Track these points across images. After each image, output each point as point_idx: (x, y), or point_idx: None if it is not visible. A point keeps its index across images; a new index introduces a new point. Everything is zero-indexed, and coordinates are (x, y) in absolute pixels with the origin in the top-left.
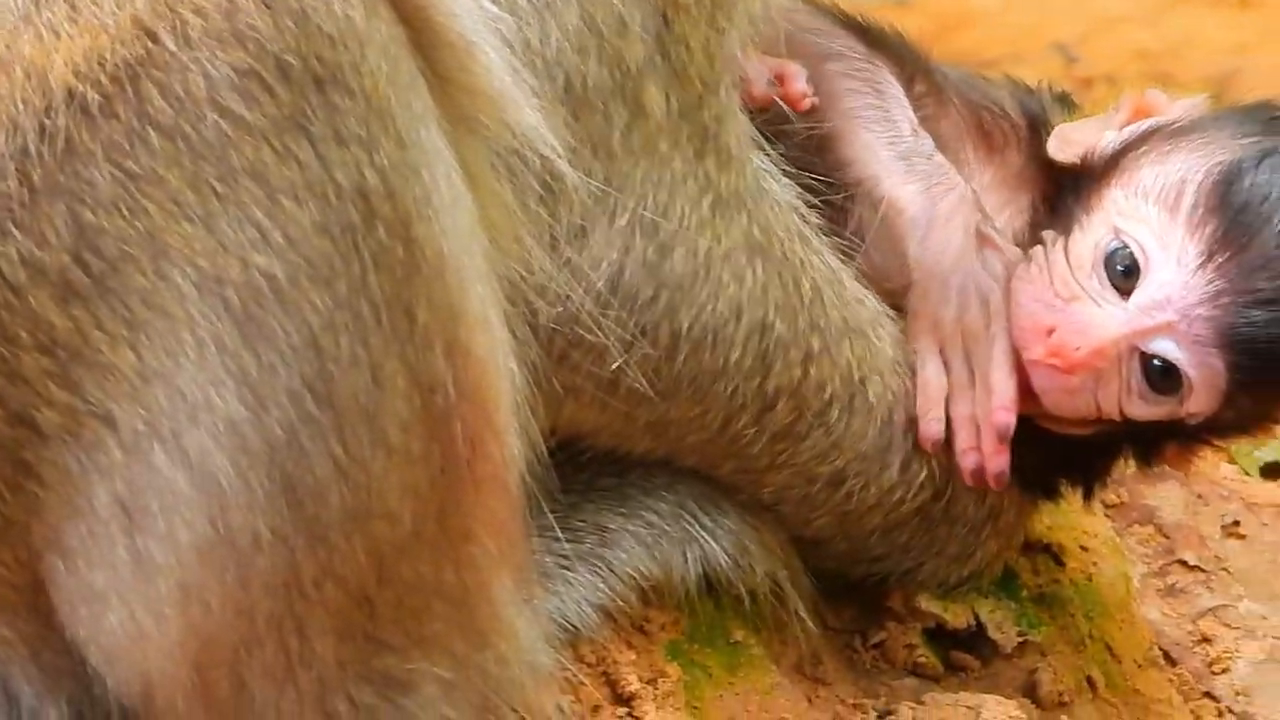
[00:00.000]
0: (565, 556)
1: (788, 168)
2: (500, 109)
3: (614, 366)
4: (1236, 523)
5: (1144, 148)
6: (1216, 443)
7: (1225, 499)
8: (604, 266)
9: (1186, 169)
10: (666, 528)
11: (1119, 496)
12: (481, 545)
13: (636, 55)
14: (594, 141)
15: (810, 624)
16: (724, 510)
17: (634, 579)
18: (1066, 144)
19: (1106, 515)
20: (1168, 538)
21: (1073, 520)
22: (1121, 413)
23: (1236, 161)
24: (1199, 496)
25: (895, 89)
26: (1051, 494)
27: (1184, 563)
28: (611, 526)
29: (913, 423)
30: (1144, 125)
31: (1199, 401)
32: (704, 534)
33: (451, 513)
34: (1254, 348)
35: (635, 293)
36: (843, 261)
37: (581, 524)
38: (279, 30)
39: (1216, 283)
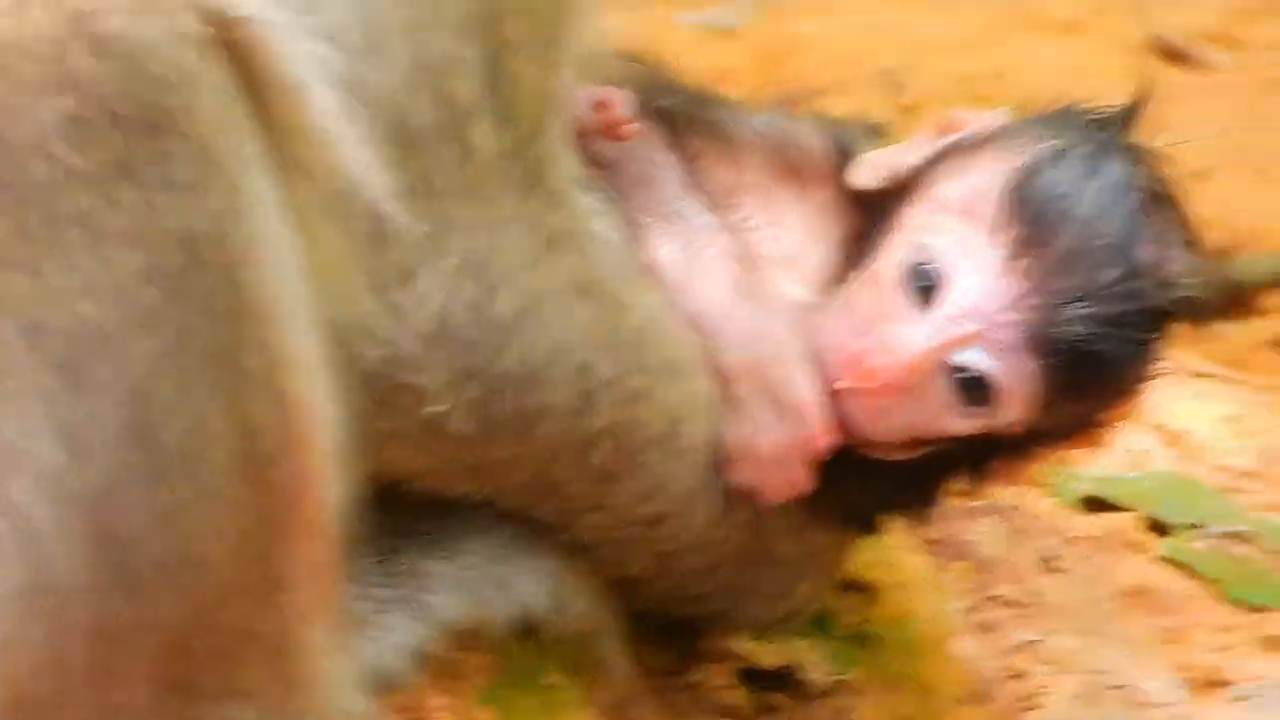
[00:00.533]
0: (383, 602)
1: (615, 204)
2: (329, 151)
3: (438, 409)
4: (1055, 557)
5: (944, 164)
6: (1043, 454)
7: (1044, 533)
8: (430, 309)
9: (984, 177)
10: (484, 570)
11: (937, 533)
12: (299, 592)
13: (467, 94)
14: (422, 182)
15: (625, 666)
16: (543, 552)
17: (450, 623)
18: (873, 170)
19: (924, 551)
20: (985, 572)
21: (890, 557)
22: (937, 431)
23: (1032, 164)
24: (1018, 531)
25: (660, 148)
26: (870, 529)
27: (1000, 598)
28: (430, 570)
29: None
30: (945, 141)
31: (1015, 409)
32: (522, 576)
33: (270, 560)
34: (1064, 348)
35: (461, 335)
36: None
37: (400, 569)
38: (109, 75)
39: (1020, 287)
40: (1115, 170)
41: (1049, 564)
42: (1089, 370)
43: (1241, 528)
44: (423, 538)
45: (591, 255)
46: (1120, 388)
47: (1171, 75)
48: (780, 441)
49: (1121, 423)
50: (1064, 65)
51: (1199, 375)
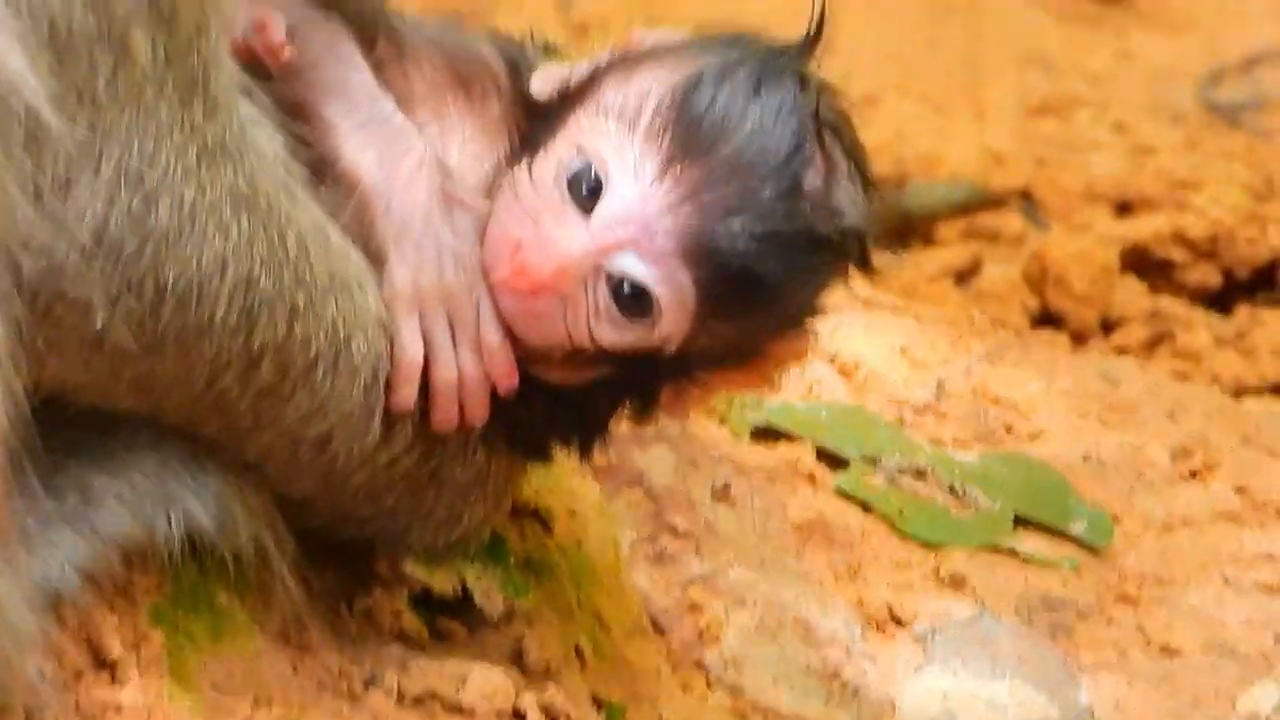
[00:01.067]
0: (47, 517)
1: (275, 117)
2: None
3: (99, 323)
4: (727, 487)
5: (612, 74)
6: (709, 381)
7: (716, 462)
8: (89, 218)
9: (648, 85)
10: (150, 488)
11: (608, 460)
12: None
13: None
14: (79, 89)
15: (295, 589)
16: (208, 470)
17: (117, 540)
18: (545, 81)
19: (595, 479)
20: (657, 502)
21: (562, 484)
22: (593, 341)
23: (696, 75)
24: (690, 461)
25: (352, 52)
26: (542, 455)
27: (673, 528)
28: (95, 485)
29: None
30: (616, 53)
31: (671, 323)
32: (187, 494)
33: None
34: (719, 261)
35: (120, 246)
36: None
37: (64, 483)
38: None
39: (676, 193)
40: (783, 93)
41: (721, 495)
42: (746, 288)
43: (917, 463)
44: (89, 452)
45: (252, 166)
46: (780, 312)
47: None
48: (462, 375)
49: (792, 360)
50: None
51: (870, 305)
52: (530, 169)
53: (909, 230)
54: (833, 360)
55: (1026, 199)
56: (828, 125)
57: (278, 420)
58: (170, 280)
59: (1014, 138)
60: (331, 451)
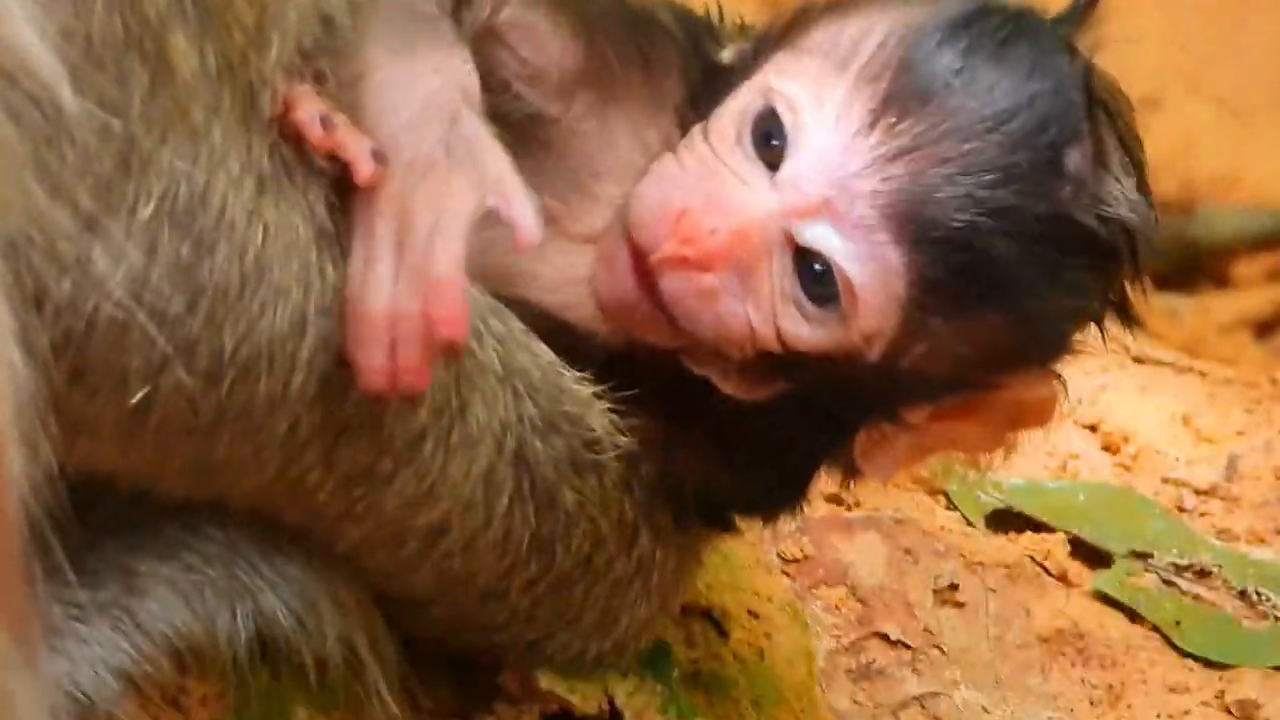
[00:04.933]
0: (79, 606)
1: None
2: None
3: (138, 397)
4: (954, 586)
5: (824, 15)
6: (925, 429)
7: (940, 555)
8: (124, 269)
9: (870, 23)
10: (212, 574)
11: (802, 549)
12: None
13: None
14: (108, 111)
15: (394, 705)
16: (288, 554)
17: (168, 638)
18: (740, 52)
19: (785, 573)
20: (864, 604)
21: (742, 578)
22: (779, 336)
23: (937, 16)
24: (906, 551)
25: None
26: (720, 521)
27: (884, 636)
28: (141, 570)
29: (520, 457)
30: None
31: (873, 316)
32: (261, 584)
33: None
34: (938, 235)
35: (165, 304)
36: None
37: (102, 566)
38: None
39: (887, 148)
40: (1044, 54)
41: (946, 596)
42: (974, 277)
43: (1200, 560)
44: (133, 527)
45: (330, 196)
46: (1021, 326)
47: None
48: (394, 307)
49: (1036, 412)
50: None
51: (1144, 362)
52: (706, 129)
53: (1196, 268)
54: (1094, 429)
55: None
56: (1101, 105)
57: (376, 508)
58: (230, 346)
59: None
60: (448, 545)
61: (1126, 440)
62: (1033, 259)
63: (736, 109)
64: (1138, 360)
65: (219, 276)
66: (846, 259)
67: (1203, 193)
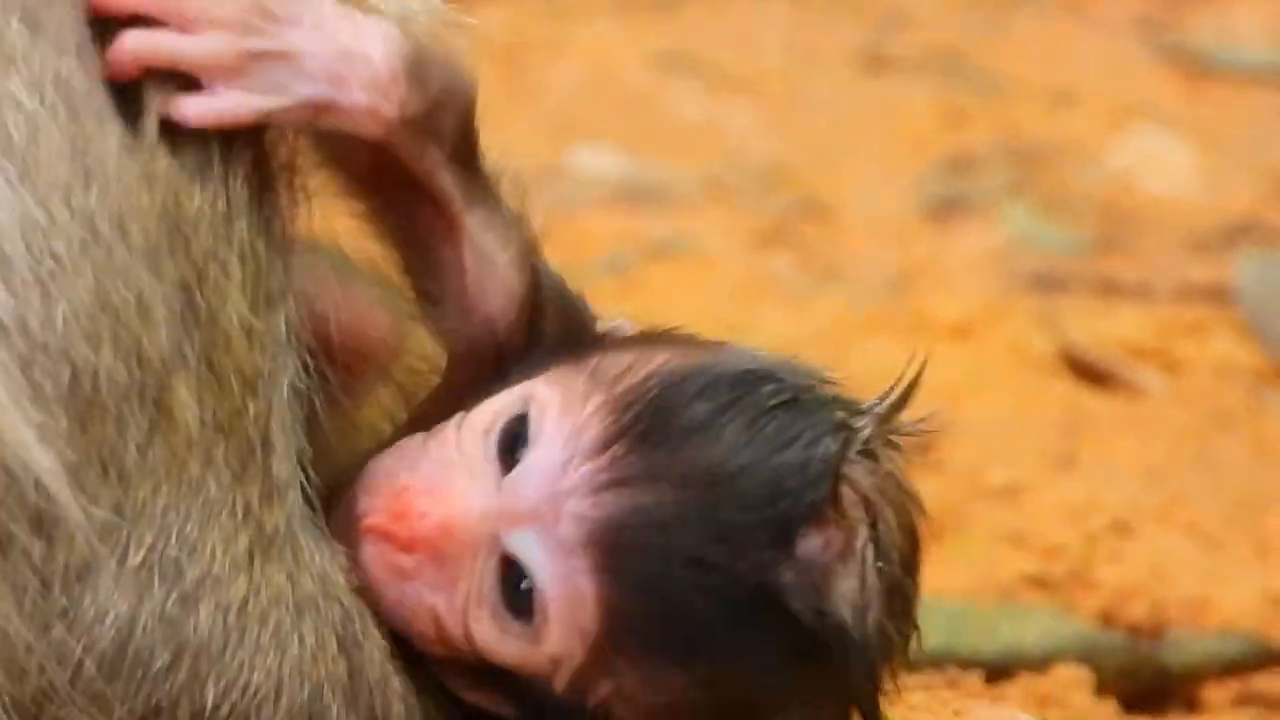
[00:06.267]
0: None
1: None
2: None
3: None
4: None
5: (627, 340)
6: None
7: None
8: (110, 621)
9: (647, 357)
10: None
11: None
12: None
13: (160, 343)
14: (104, 457)
15: None
16: None
17: None
18: None
19: None
20: None
21: None
22: (468, 636)
23: (708, 366)
24: None
25: None
26: None
27: None
28: None
29: None
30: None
31: (560, 640)
32: None
33: None
34: (635, 575)
35: (149, 657)
36: None
37: None
38: None
39: (606, 475)
40: (812, 428)
41: None
42: (665, 629)
43: None
44: None
45: (321, 560)
46: (709, 690)
47: (1088, 400)
48: None
49: None
50: (942, 377)
51: None
52: (465, 417)
53: (1167, 692)
54: None
55: None
56: (863, 501)
57: None
58: (209, 703)
59: None
60: None
61: None
62: (731, 626)
63: (497, 406)
64: None
65: (203, 631)
66: (543, 574)
67: (1173, 617)
